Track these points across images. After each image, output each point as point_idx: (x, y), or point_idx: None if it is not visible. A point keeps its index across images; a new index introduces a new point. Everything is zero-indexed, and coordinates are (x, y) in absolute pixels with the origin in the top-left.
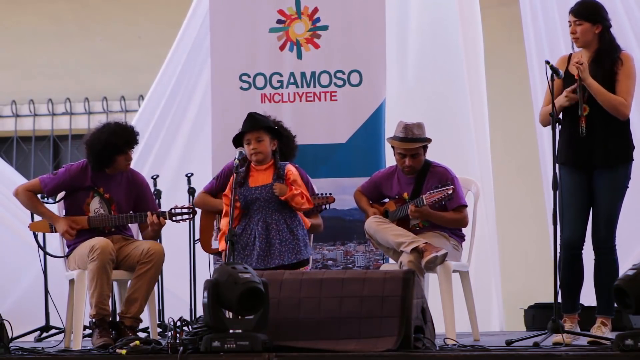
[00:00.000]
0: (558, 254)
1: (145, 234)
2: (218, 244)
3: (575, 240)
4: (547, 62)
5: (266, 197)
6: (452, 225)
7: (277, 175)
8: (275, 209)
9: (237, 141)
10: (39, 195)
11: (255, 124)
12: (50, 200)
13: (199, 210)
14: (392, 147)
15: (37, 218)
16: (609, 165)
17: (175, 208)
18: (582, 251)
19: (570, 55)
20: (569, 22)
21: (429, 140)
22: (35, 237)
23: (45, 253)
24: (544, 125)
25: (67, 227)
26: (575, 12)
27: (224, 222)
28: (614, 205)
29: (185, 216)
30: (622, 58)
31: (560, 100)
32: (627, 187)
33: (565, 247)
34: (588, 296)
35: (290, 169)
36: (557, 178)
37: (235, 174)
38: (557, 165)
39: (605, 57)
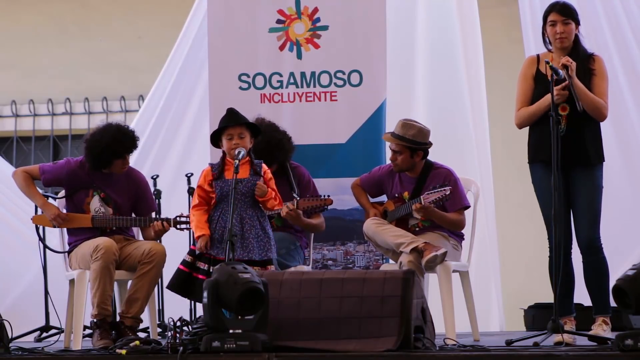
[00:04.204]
0: (549, 257)
1: (147, 236)
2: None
3: (565, 240)
4: (547, 62)
5: (242, 191)
6: (451, 226)
7: (254, 172)
8: (249, 205)
9: (215, 135)
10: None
11: (238, 119)
12: (51, 199)
13: None
14: None
15: (40, 212)
16: (587, 165)
17: (180, 217)
18: (572, 250)
19: (538, 56)
20: (553, 21)
21: (413, 142)
22: (37, 230)
23: (45, 247)
24: (521, 127)
25: (57, 211)
26: (563, 11)
27: (197, 214)
28: (597, 205)
29: (189, 225)
30: (595, 58)
31: (548, 100)
32: (603, 186)
33: (556, 249)
34: (587, 296)
35: (266, 168)
36: (557, 179)
37: (235, 173)
38: (555, 165)
39: (578, 55)
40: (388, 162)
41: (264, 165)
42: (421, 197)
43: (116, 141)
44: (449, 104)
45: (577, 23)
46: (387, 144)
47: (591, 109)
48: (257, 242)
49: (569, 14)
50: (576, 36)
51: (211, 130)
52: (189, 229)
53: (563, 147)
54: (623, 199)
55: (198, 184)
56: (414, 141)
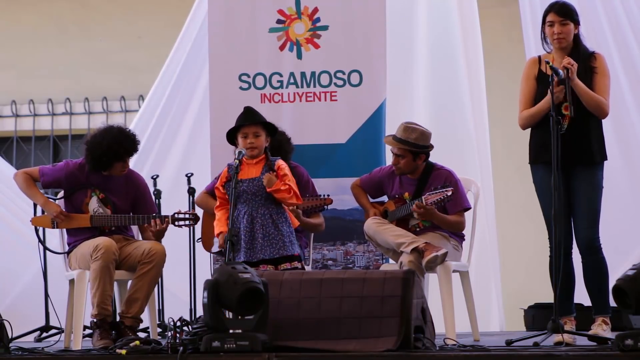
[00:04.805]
0: (550, 257)
1: (147, 237)
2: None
3: (565, 240)
4: (548, 62)
5: (253, 190)
6: (451, 228)
7: (268, 168)
8: (262, 203)
9: (231, 134)
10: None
11: (254, 118)
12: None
13: (199, 212)
14: None
15: (39, 213)
16: (588, 164)
17: (178, 213)
18: (572, 250)
19: (539, 57)
20: (551, 21)
21: (415, 145)
22: (37, 231)
23: (45, 248)
24: (525, 128)
25: (59, 209)
26: (561, 11)
27: (219, 213)
28: (597, 205)
29: (188, 222)
30: (596, 56)
31: (548, 102)
32: (603, 187)
33: (557, 249)
34: (587, 296)
35: (281, 163)
36: (557, 178)
37: (235, 173)
38: (555, 165)
39: (579, 55)
40: (389, 163)
41: (278, 161)
42: (422, 197)
43: (117, 143)
44: (449, 104)
45: (577, 23)
46: (388, 146)
47: (592, 107)
48: (268, 240)
49: (567, 15)
50: (576, 36)
51: (212, 130)
52: (188, 225)
53: (566, 146)
54: (623, 199)
55: (216, 186)
56: (416, 145)
